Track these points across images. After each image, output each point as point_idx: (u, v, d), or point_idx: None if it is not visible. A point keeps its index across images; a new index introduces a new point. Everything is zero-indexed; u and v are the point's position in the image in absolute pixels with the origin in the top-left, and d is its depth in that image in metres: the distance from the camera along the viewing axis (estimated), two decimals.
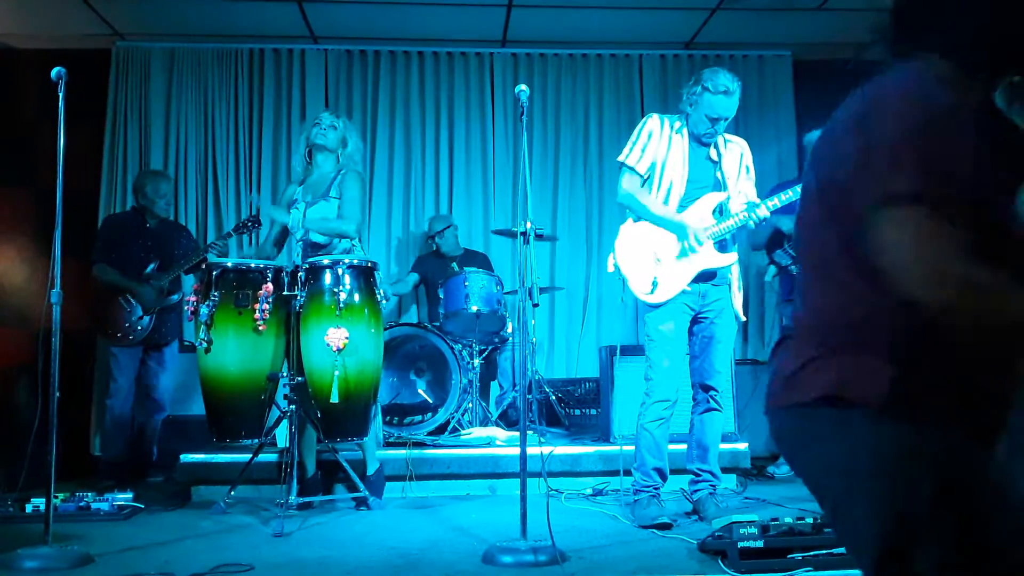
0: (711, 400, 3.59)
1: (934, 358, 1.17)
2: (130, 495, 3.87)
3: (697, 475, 3.64)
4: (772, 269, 4.92)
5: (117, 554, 3.05)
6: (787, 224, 4.56)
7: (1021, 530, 1.10)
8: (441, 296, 4.95)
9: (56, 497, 3.13)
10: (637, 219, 3.62)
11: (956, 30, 1.22)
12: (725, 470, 3.93)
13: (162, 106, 5.88)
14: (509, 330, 5.15)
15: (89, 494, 3.79)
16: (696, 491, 3.63)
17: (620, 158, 3.62)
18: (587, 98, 6.17)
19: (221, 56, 5.98)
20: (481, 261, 5.49)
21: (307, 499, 3.79)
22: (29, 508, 3.64)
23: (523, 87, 3.23)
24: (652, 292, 3.51)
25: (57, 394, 3.00)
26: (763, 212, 3.46)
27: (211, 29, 5.76)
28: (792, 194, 3.39)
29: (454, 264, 5.37)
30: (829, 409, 1.18)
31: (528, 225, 3.13)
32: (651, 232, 3.56)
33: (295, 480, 3.66)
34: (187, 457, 4.25)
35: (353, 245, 4.03)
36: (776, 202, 3.48)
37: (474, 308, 4.75)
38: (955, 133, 1.12)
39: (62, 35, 5.66)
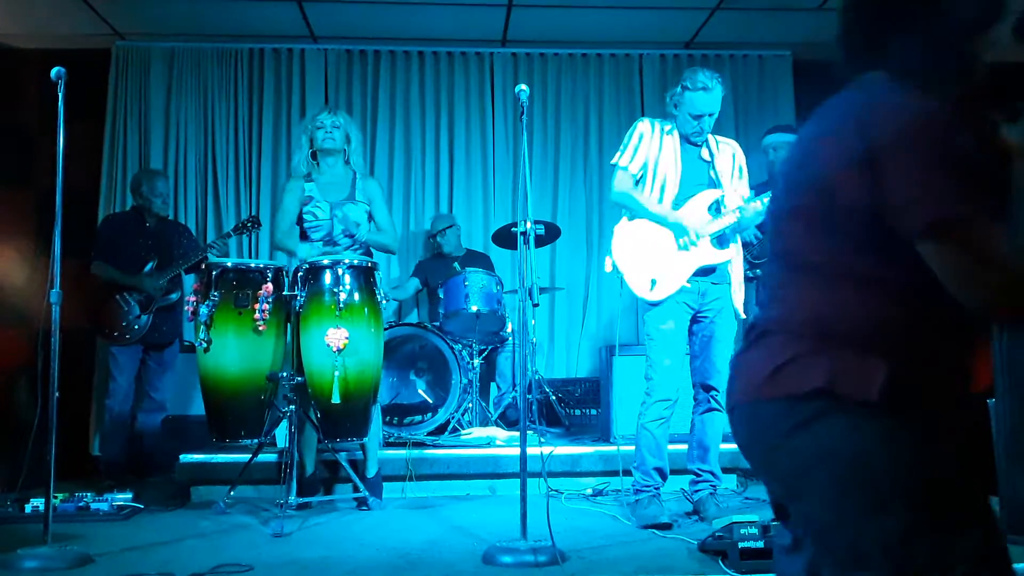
0: (712, 400, 3.58)
1: (927, 359, 1.23)
2: (129, 495, 3.87)
3: (698, 475, 3.64)
4: None
5: (117, 554, 3.04)
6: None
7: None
8: (441, 296, 4.95)
9: (55, 497, 3.12)
10: (632, 218, 3.62)
11: (900, 55, 1.27)
12: (726, 470, 3.93)
13: (162, 106, 5.88)
14: (509, 330, 5.14)
15: (88, 494, 3.79)
16: (697, 491, 3.63)
17: (612, 160, 3.67)
18: (587, 98, 6.17)
19: (221, 56, 5.97)
20: (483, 262, 5.47)
21: (307, 499, 3.79)
22: (28, 508, 3.63)
23: (523, 87, 3.23)
24: (651, 289, 3.50)
25: (57, 394, 3.00)
26: (757, 206, 3.46)
27: (211, 29, 5.76)
28: None
29: (456, 264, 5.37)
30: (821, 401, 1.21)
31: (528, 225, 3.13)
32: (647, 229, 3.56)
33: (295, 480, 3.66)
34: (187, 457, 4.25)
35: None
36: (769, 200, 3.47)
37: (474, 308, 4.74)
38: (963, 135, 1.15)
39: (62, 35, 5.65)
